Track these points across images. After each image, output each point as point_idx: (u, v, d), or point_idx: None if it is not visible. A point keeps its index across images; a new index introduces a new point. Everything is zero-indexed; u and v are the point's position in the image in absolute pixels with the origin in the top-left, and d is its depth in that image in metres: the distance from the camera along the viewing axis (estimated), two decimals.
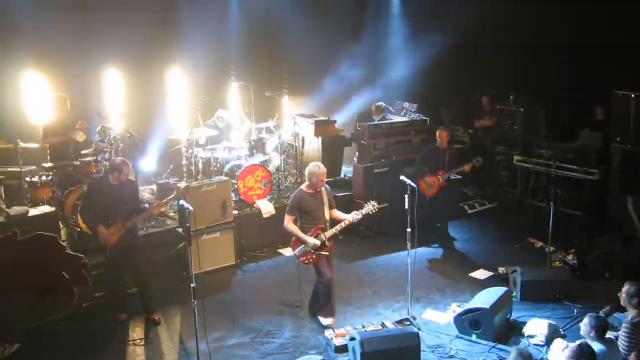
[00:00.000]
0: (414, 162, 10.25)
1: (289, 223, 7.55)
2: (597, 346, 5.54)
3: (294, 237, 7.56)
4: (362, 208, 7.73)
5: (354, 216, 7.64)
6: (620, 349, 5.96)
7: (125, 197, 7.68)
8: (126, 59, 11.20)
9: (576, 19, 11.73)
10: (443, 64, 13.19)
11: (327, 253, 7.63)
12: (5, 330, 7.31)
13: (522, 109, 12.30)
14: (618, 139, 10.39)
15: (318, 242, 7.45)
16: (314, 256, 7.53)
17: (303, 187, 7.68)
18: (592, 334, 5.74)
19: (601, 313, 7.22)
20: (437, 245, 10.18)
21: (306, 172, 7.63)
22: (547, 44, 12.22)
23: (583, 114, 11.83)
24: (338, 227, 7.65)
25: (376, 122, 11.25)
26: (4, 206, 9.16)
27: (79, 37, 10.46)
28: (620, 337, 6.04)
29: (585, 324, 5.83)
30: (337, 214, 7.80)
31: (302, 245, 7.49)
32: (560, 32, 12.00)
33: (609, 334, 6.09)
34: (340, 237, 10.67)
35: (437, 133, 10.03)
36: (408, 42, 13.46)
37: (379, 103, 11.60)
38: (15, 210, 8.32)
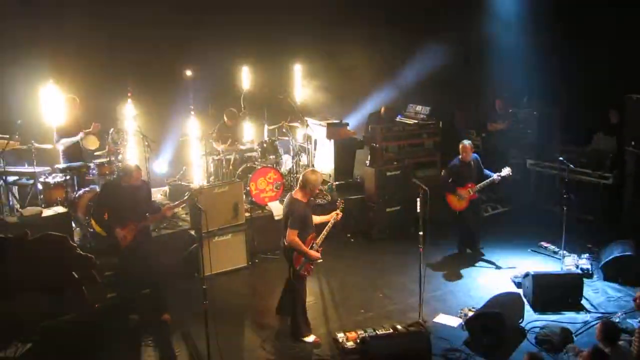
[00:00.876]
0: (440, 180, 9.97)
1: (294, 238, 6.99)
2: (609, 350, 5.50)
3: (296, 252, 7.10)
4: (337, 208, 7.47)
5: (335, 217, 7.36)
6: (633, 354, 5.92)
7: (138, 199, 7.71)
8: (142, 62, 11.24)
9: (591, 22, 11.67)
10: (456, 67, 13.16)
11: (321, 260, 7.37)
12: (17, 330, 7.36)
13: (535, 113, 12.24)
14: (632, 143, 10.30)
15: (319, 255, 7.24)
16: (311, 266, 7.32)
17: (299, 197, 7.14)
18: (605, 339, 5.70)
19: (614, 318, 7.18)
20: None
21: (304, 180, 7.14)
22: (562, 47, 12.16)
23: (597, 118, 11.76)
24: (325, 232, 7.30)
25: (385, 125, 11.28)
26: (18, 206, 9.27)
27: (95, 45, 10.56)
28: (634, 342, 5.99)
29: (598, 329, 5.80)
30: (316, 217, 7.47)
31: (304, 259, 7.18)
32: (575, 34, 11.93)
33: (622, 339, 6.06)
34: (352, 239, 10.75)
35: (460, 147, 9.71)
36: (423, 46, 13.40)
37: (389, 105, 11.61)
38: (29, 210, 8.39)
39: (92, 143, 9.82)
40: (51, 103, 9.88)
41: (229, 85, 12.43)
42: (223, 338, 6.72)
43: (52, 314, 7.59)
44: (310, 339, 7.39)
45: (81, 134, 9.66)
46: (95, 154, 9.81)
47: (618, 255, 8.80)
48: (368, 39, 13.13)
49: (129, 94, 10.61)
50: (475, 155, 9.82)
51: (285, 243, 7.12)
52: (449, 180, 9.62)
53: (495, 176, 9.49)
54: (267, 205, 10.39)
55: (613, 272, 8.81)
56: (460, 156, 9.63)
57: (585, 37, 11.78)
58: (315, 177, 7.14)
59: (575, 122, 12.10)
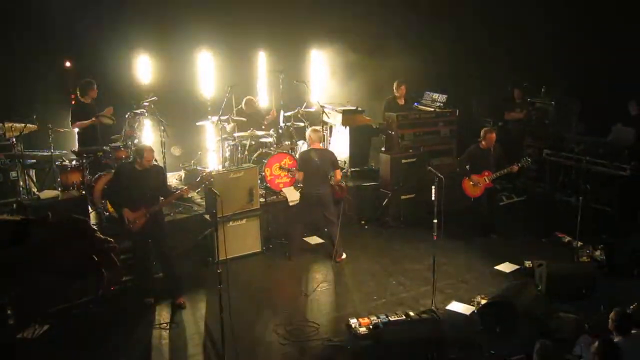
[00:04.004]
0: (458, 162, 9.98)
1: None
2: (621, 340, 5.48)
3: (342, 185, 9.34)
4: None
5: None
6: None
7: (150, 183, 7.76)
8: (157, 44, 11.26)
9: (612, 12, 11.54)
10: (475, 55, 13.07)
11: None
12: (35, 312, 7.47)
13: (553, 102, 12.14)
14: None
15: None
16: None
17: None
18: (617, 328, 5.69)
19: (628, 310, 7.14)
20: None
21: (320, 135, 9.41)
22: (583, 37, 12.03)
23: (616, 109, 11.64)
24: None
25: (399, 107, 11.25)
26: (35, 189, 9.37)
27: (111, 23, 10.54)
28: None
29: (611, 318, 5.78)
30: None
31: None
32: (596, 24, 11.81)
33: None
34: (366, 226, 10.76)
35: (483, 134, 9.69)
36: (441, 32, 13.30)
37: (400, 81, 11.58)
38: (46, 194, 8.48)
39: (107, 120, 9.84)
40: (68, 83, 9.95)
41: (246, 69, 12.44)
42: (237, 322, 6.78)
43: (71, 296, 7.73)
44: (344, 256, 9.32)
45: (94, 119, 9.69)
46: (112, 137, 9.86)
47: (633, 248, 8.75)
48: (384, 25, 13.04)
49: None
50: (498, 144, 9.78)
51: (336, 182, 9.20)
52: (466, 166, 9.60)
53: (514, 166, 9.44)
54: (281, 191, 10.42)
55: (628, 264, 8.76)
56: (482, 142, 9.59)
57: (607, 27, 11.64)
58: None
59: (594, 113, 11.98)
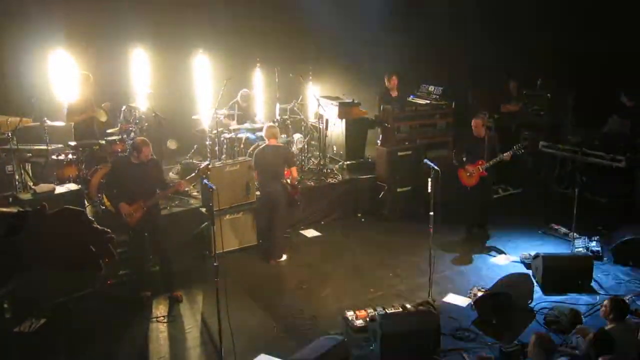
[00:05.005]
0: (454, 154, 9.99)
1: None
2: (614, 328, 5.51)
3: (295, 185, 9.12)
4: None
5: None
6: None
7: (147, 177, 7.75)
8: (153, 39, 11.21)
9: (606, 4, 11.54)
10: (470, 47, 13.05)
11: None
12: (32, 306, 7.47)
13: (549, 94, 12.15)
14: None
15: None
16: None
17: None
18: (612, 312, 5.71)
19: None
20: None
21: (274, 131, 9.05)
22: (577, 29, 12.03)
23: (612, 101, 11.66)
24: None
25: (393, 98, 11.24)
26: (31, 183, 9.34)
27: (107, 17, 10.50)
28: None
29: (605, 306, 5.80)
30: None
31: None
32: (591, 16, 11.81)
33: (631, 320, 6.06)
34: (363, 219, 10.78)
35: (472, 122, 9.74)
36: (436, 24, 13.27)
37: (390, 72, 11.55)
38: (42, 187, 8.45)
39: (101, 116, 9.81)
40: (63, 77, 9.91)
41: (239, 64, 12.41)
42: (234, 315, 6.79)
43: (68, 289, 7.73)
44: (284, 257, 9.17)
45: (89, 112, 9.64)
46: (108, 131, 9.84)
47: (629, 238, 8.79)
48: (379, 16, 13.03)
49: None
50: (494, 133, 9.77)
51: (290, 181, 8.98)
52: (462, 156, 9.61)
53: (504, 154, 9.42)
54: None
55: (623, 255, 8.80)
56: (473, 132, 9.60)
57: (601, 19, 11.64)
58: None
59: (590, 105, 11.99)
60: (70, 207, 1.97)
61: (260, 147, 9.20)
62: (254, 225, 9.60)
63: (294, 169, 9.13)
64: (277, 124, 10.97)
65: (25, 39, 10.06)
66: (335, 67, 13.09)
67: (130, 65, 11.32)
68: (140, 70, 11.39)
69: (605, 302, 5.84)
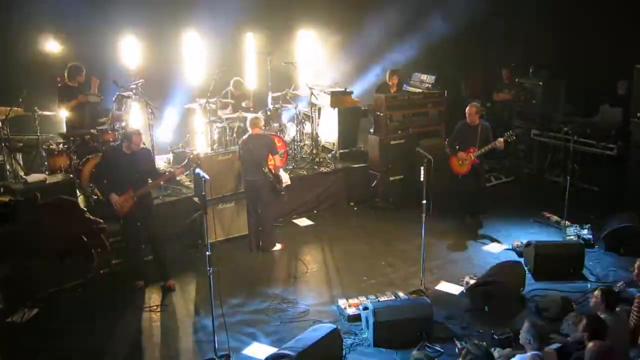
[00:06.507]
0: (447, 142, 9.99)
1: None
2: (605, 318, 5.54)
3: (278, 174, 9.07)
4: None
5: None
6: (630, 323, 5.97)
7: (138, 166, 7.72)
8: (144, 25, 11.11)
9: None
10: (463, 36, 13.04)
11: None
12: (24, 296, 7.45)
13: (541, 83, 12.16)
14: (638, 114, 10.23)
15: None
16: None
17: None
18: (603, 302, 5.74)
19: (615, 288, 7.22)
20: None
21: (257, 121, 8.96)
22: (569, 17, 12.03)
23: (604, 89, 11.68)
24: None
25: (392, 93, 11.21)
26: (22, 173, 9.29)
27: (96, 3, 10.43)
28: (633, 311, 6.03)
29: (597, 296, 5.83)
30: None
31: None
32: (582, 4, 11.80)
33: (621, 309, 6.09)
34: (355, 208, 10.79)
35: (466, 110, 9.68)
36: (428, 13, 13.22)
37: (394, 69, 11.54)
38: (34, 177, 8.41)
39: (92, 98, 9.70)
40: (54, 65, 9.85)
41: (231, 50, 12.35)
42: (226, 304, 6.78)
43: (60, 279, 7.71)
44: (278, 246, 9.16)
45: (80, 97, 9.54)
46: (99, 120, 9.77)
47: (620, 226, 8.83)
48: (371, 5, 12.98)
49: None
50: (487, 123, 9.77)
51: (274, 170, 8.93)
52: (454, 143, 9.61)
53: (496, 142, 9.41)
54: None
55: (614, 243, 8.84)
56: (467, 119, 9.57)
57: (594, 6, 11.63)
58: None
59: (582, 93, 12.02)
60: (63, 197, 1.96)
61: (244, 137, 9.13)
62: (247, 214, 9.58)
63: (276, 157, 9.05)
64: (269, 112, 10.95)
65: (16, 28, 9.98)
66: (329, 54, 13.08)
67: (121, 52, 11.18)
68: (131, 57, 11.24)
69: (596, 293, 5.86)
